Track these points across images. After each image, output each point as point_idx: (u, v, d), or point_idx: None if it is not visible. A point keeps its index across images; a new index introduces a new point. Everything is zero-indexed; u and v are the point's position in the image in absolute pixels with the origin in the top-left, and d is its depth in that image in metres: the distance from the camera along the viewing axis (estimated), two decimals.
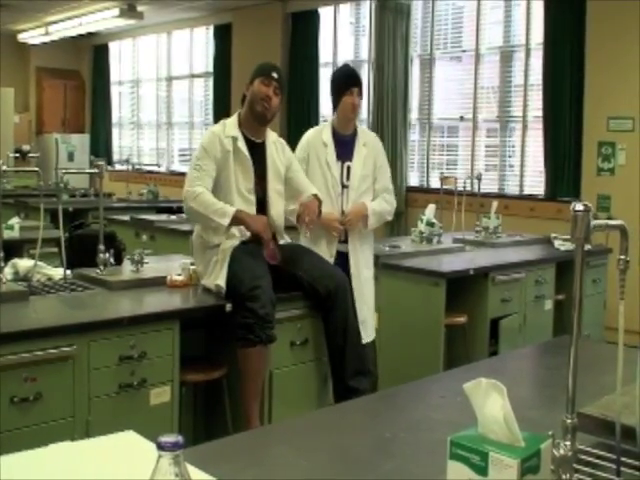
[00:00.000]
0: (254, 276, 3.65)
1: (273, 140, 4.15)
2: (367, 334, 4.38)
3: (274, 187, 4.07)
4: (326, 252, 4.39)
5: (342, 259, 4.46)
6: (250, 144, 4.01)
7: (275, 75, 4.01)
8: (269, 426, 3.45)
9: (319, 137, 4.57)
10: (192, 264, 4.03)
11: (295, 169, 4.22)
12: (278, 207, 4.08)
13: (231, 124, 4.03)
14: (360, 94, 4.55)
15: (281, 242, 4.09)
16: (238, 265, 3.73)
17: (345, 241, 4.50)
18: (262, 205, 4.01)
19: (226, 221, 3.78)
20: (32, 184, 9.22)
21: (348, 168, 4.52)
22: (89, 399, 3.15)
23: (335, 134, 4.57)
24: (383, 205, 4.58)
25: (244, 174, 3.96)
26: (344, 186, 4.51)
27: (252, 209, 3.95)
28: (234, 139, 3.96)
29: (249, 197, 3.96)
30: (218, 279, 3.76)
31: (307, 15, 10.87)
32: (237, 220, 3.81)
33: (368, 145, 4.60)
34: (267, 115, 4.02)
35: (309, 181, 4.28)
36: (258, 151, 4.04)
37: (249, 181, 3.97)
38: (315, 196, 4.09)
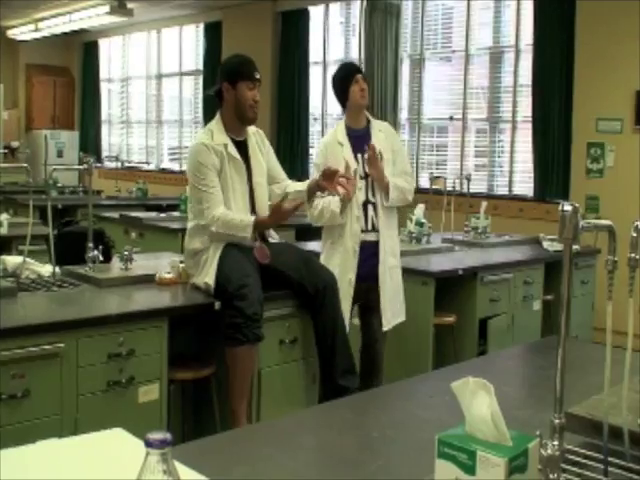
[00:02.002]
0: (242, 275, 3.65)
1: (252, 132, 4.14)
2: (385, 322, 4.46)
3: (258, 181, 4.07)
4: (350, 247, 4.41)
5: (372, 248, 4.46)
6: (236, 145, 4.01)
7: (258, 76, 3.99)
8: (257, 424, 3.45)
9: (334, 139, 4.55)
10: (181, 262, 4.03)
11: (271, 156, 4.24)
12: (263, 200, 4.08)
13: (218, 131, 3.99)
14: (365, 80, 4.57)
15: (270, 240, 4.09)
16: (227, 264, 3.73)
17: (372, 229, 4.48)
18: (250, 199, 4.02)
19: (249, 232, 3.81)
20: (21, 180, 9.20)
21: (369, 157, 4.46)
22: (77, 396, 3.15)
23: (349, 131, 4.56)
24: (404, 183, 4.55)
25: (239, 176, 3.97)
26: (367, 175, 4.47)
27: (245, 211, 3.95)
28: (225, 146, 3.94)
29: (244, 200, 3.98)
30: (207, 277, 3.76)
31: (297, 14, 10.86)
32: (259, 227, 3.86)
33: (384, 131, 4.61)
34: (256, 117, 4.02)
35: (281, 168, 4.29)
36: (243, 149, 4.04)
37: (243, 183, 3.98)
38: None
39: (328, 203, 4.36)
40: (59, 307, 3.48)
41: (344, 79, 4.57)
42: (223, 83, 3.99)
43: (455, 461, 1.34)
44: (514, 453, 1.31)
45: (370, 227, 4.48)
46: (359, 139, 4.53)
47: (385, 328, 4.47)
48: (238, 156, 3.97)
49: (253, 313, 3.57)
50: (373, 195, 4.48)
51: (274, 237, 4.16)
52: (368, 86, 4.58)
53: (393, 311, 4.49)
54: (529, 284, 5.52)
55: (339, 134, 4.56)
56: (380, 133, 4.57)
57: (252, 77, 3.96)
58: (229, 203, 3.91)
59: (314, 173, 4.52)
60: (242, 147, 4.04)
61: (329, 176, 3.98)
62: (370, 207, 4.48)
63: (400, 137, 4.76)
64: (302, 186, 4.14)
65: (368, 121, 4.62)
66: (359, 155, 4.49)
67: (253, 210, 4.00)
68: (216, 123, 4.02)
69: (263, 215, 3.98)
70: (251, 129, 4.13)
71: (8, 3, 11.83)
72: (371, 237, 4.48)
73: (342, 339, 3.92)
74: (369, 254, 4.43)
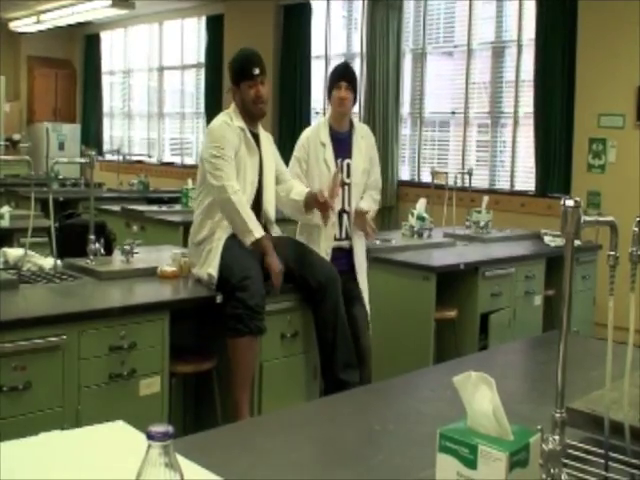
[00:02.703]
0: (245, 267, 3.66)
1: (263, 136, 4.18)
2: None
3: (268, 178, 4.09)
4: (323, 249, 4.40)
5: (345, 255, 4.48)
6: (251, 135, 4.05)
7: (257, 71, 3.98)
8: (258, 417, 3.46)
9: (317, 137, 4.52)
10: (184, 255, 4.03)
11: (277, 157, 4.26)
12: (271, 197, 4.10)
13: (235, 117, 4.03)
14: (350, 89, 4.47)
15: (272, 234, 4.09)
16: (230, 256, 3.74)
17: (346, 238, 4.50)
18: (257, 194, 4.03)
19: (251, 239, 3.79)
20: (23, 173, 9.21)
21: (348, 165, 4.50)
22: (79, 389, 3.15)
23: (332, 132, 4.53)
24: (374, 206, 4.61)
25: (252, 162, 4.00)
26: (344, 184, 4.47)
27: (251, 201, 3.96)
28: (242, 130, 3.98)
29: (252, 188, 3.99)
30: (210, 268, 3.77)
31: (299, 8, 10.84)
32: (260, 246, 3.81)
33: (365, 138, 4.60)
34: (264, 110, 4.07)
35: (286, 169, 4.31)
36: (257, 142, 4.07)
37: (254, 172, 4.01)
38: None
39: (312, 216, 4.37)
40: (60, 299, 3.49)
41: (331, 80, 4.54)
42: (231, 86, 4.07)
43: (456, 455, 1.35)
44: (515, 447, 1.32)
45: (344, 235, 4.51)
46: (341, 142, 4.52)
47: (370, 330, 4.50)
48: (253, 142, 4.01)
49: (255, 304, 3.58)
50: (349, 204, 4.50)
51: (276, 231, 4.16)
52: (354, 92, 4.51)
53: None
54: (530, 279, 5.52)
55: (322, 133, 4.52)
56: (362, 140, 4.57)
57: (250, 75, 3.97)
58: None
59: (294, 166, 4.51)
60: (256, 139, 4.08)
61: (321, 203, 4.01)
62: (345, 216, 4.50)
63: (374, 144, 4.72)
64: (300, 195, 4.13)
65: (352, 125, 4.60)
66: (339, 160, 4.48)
67: (258, 204, 4.00)
68: (233, 110, 4.07)
69: (265, 210, 4.01)
70: (262, 132, 4.17)
71: None
72: (344, 244, 4.51)
73: (343, 333, 3.93)
74: (342, 260, 4.44)
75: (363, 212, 4.44)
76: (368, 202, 4.55)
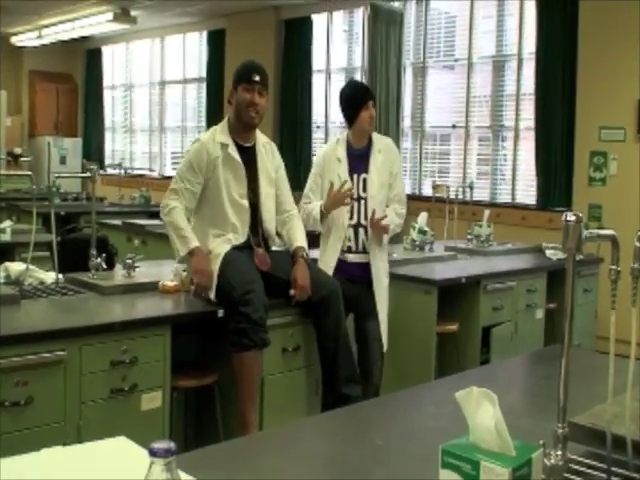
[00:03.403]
0: (246, 281, 3.65)
1: (262, 143, 4.13)
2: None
3: (266, 191, 4.06)
4: (326, 261, 4.44)
5: (362, 269, 4.48)
6: (241, 149, 4.01)
7: (257, 78, 3.96)
8: (260, 433, 3.45)
9: (333, 153, 4.55)
10: (184, 270, 4.03)
11: (281, 176, 4.21)
12: (270, 211, 4.08)
13: (221, 131, 4.01)
14: (374, 106, 4.58)
15: (273, 248, 4.09)
16: (230, 270, 3.73)
17: (363, 251, 4.49)
18: (254, 209, 4.00)
19: (184, 251, 3.84)
20: (24, 187, 9.20)
21: (364, 180, 4.50)
22: (80, 404, 3.15)
23: (350, 148, 4.56)
24: (396, 220, 4.57)
25: (236, 180, 3.95)
26: (360, 198, 4.48)
27: (245, 215, 3.95)
28: (224, 145, 3.95)
29: (241, 202, 3.95)
30: None
31: (300, 22, 10.88)
32: (192, 257, 3.83)
33: (383, 151, 4.58)
34: (255, 120, 3.99)
35: (290, 194, 4.28)
36: (249, 155, 4.03)
37: (242, 186, 3.96)
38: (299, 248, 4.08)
39: (311, 210, 4.44)
40: (62, 314, 3.48)
41: (356, 102, 4.52)
42: (230, 90, 4.06)
43: (459, 471, 1.34)
44: (518, 463, 1.31)
45: (361, 249, 4.51)
46: (358, 158, 4.54)
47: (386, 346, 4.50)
48: (238, 158, 3.96)
49: (259, 318, 3.58)
50: (365, 218, 4.48)
51: (277, 245, 4.16)
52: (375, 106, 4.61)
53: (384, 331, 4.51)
54: (532, 292, 5.52)
55: (339, 150, 4.55)
56: (379, 155, 4.55)
57: (250, 79, 3.96)
58: (220, 205, 3.92)
59: (311, 181, 4.59)
60: (249, 153, 4.04)
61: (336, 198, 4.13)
62: (361, 230, 4.50)
63: (400, 158, 4.72)
64: (291, 244, 4.12)
65: (370, 139, 4.61)
66: (355, 175, 4.51)
67: (255, 219, 4.00)
68: (221, 125, 4.06)
69: (266, 227, 4.03)
70: (262, 138, 4.14)
71: (12, 10, 11.86)
72: (361, 259, 4.50)
73: (345, 347, 3.93)
74: (359, 274, 4.44)
75: (377, 219, 4.41)
76: (391, 216, 4.51)
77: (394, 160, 4.64)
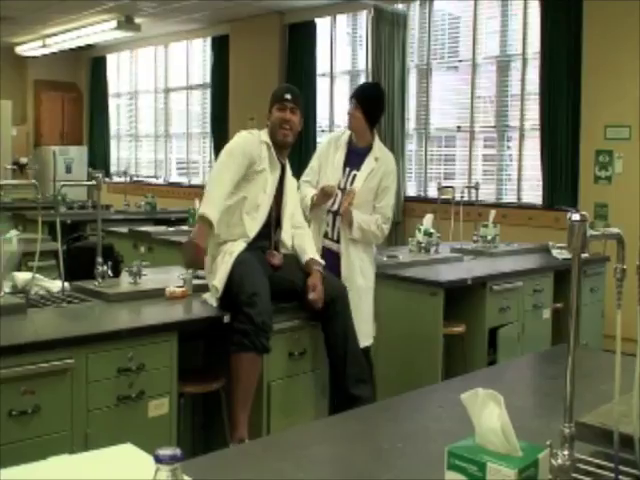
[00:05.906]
0: (254, 284, 3.66)
1: (288, 176, 4.22)
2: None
3: (288, 210, 4.13)
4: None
5: (334, 258, 4.49)
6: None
7: (288, 96, 4.07)
8: (267, 437, 3.44)
9: (337, 140, 4.71)
10: (195, 277, 4.03)
11: (296, 201, 4.31)
12: (288, 226, 4.12)
13: (263, 133, 4.08)
14: (358, 107, 4.58)
15: (282, 251, 4.09)
16: (241, 271, 3.73)
17: (337, 241, 4.56)
18: (277, 223, 4.06)
19: (201, 210, 3.73)
20: (30, 196, 9.21)
21: (354, 176, 4.57)
22: (87, 412, 3.15)
23: (351, 143, 4.67)
24: (372, 226, 4.52)
25: (272, 182, 4.01)
26: (343, 188, 4.55)
27: (265, 213, 3.99)
28: (267, 145, 4.02)
29: (268, 202, 4.00)
30: (215, 280, 3.78)
31: (304, 26, 10.89)
32: (198, 224, 3.74)
33: (379, 160, 4.61)
34: (288, 138, 4.08)
35: (301, 212, 4.34)
36: (281, 171, 4.11)
37: (273, 188, 4.02)
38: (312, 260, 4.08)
39: (304, 196, 4.55)
40: (69, 323, 3.49)
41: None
42: (266, 114, 4.15)
43: (465, 473, 1.34)
44: (524, 464, 1.31)
45: (336, 237, 4.56)
46: (356, 154, 4.64)
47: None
48: (277, 161, 4.05)
49: (262, 322, 3.58)
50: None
51: (286, 248, 4.14)
52: (363, 110, 4.66)
53: (361, 332, 4.26)
54: (539, 292, 5.51)
55: (342, 139, 4.70)
56: (374, 161, 4.60)
57: (282, 98, 4.08)
58: (256, 200, 3.93)
59: (311, 163, 4.80)
60: (281, 169, 4.12)
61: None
62: (339, 218, 4.55)
63: (396, 177, 4.72)
64: (303, 254, 4.09)
65: (372, 144, 4.66)
66: (347, 169, 4.61)
67: (268, 227, 4.01)
68: (263, 131, 4.12)
69: (284, 243, 4.07)
70: (289, 168, 4.20)
71: (17, 20, 11.90)
72: (335, 247, 4.55)
73: (354, 348, 3.94)
74: (329, 262, 4.35)
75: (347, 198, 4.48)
76: (365, 218, 4.51)
77: (386, 173, 4.62)
